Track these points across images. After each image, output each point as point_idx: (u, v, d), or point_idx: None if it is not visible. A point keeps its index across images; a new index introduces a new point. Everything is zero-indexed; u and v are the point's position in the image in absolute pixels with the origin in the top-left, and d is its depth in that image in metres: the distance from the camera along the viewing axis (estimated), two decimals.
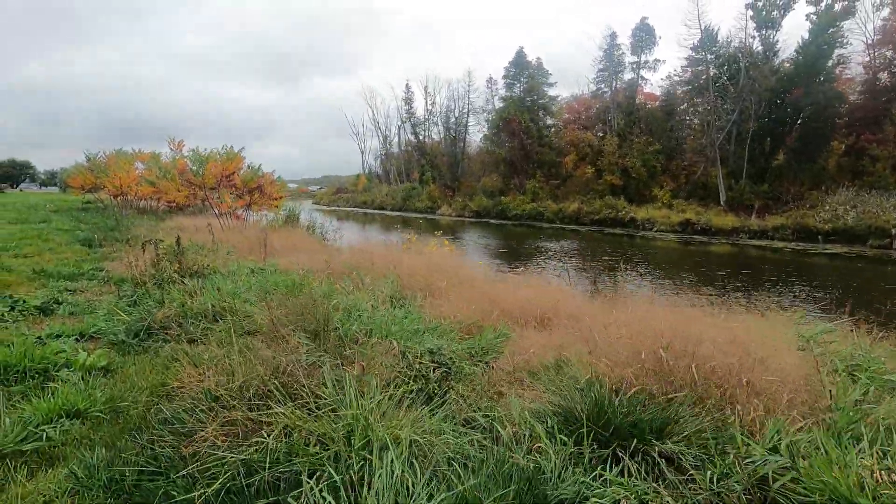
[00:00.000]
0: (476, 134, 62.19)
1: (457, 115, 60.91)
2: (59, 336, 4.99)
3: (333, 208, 62.68)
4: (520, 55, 50.12)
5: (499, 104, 55.47)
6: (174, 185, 13.17)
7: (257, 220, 14.96)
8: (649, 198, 41.07)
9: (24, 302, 5.91)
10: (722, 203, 38.76)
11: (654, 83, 46.80)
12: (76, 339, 4.96)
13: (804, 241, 28.15)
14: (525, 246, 25.15)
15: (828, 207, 31.29)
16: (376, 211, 60.58)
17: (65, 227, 16.31)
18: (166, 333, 4.94)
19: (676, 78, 45.93)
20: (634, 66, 45.28)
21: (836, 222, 28.25)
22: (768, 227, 30.28)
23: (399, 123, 69.86)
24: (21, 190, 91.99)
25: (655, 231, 34.75)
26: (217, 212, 13.37)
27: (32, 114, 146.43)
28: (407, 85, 65.96)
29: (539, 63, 50.58)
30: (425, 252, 9.49)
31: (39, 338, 4.87)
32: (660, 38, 43.84)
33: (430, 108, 66.61)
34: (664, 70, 45.60)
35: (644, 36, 44.10)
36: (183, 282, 6.64)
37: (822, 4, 38.60)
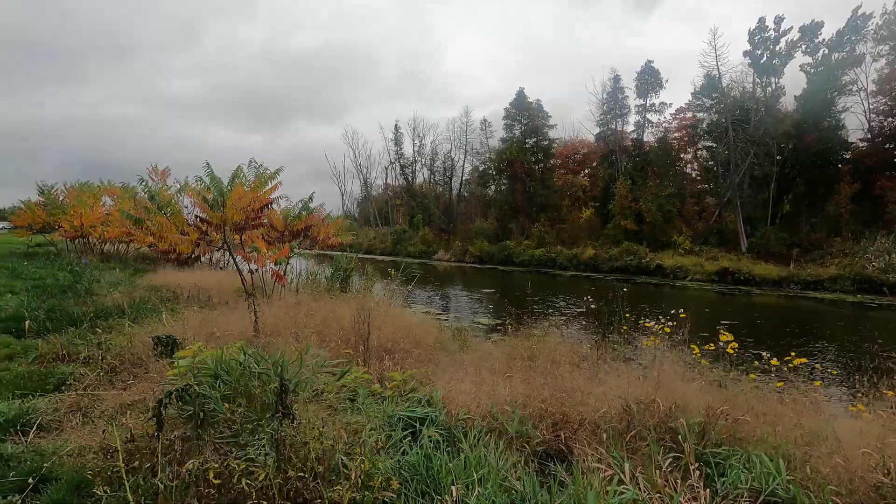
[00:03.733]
0: (468, 176, 58.64)
1: (452, 156, 57.33)
2: None
3: (317, 252, 56.61)
4: (520, 96, 47.26)
5: (495, 145, 52.39)
6: (176, 223, 7.88)
7: (290, 278, 9.67)
8: (667, 244, 37.68)
9: None
10: (743, 250, 35.77)
11: (657, 126, 44.62)
12: None
13: (868, 294, 24.79)
14: (578, 300, 20.53)
15: (871, 256, 28.46)
16: (366, 255, 55.04)
17: None
18: None
19: (667, 125, 44.18)
20: (640, 109, 43.00)
21: None
22: (823, 277, 26.89)
23: (386, 165, 65.67)
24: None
25: (689, 280, 30.95)
26: (249, 266, 8.04)
27: None
28: (396, 126, 62.10)
29: (539, 105, 47.87)
30: None
31: None
32: (666, 81, 41.85)
33: (417, 149, 62.96)
34: (669, 113, 43.60)
35: (649, 79, 42.07)
36: None
37: (820, 54, 37.68)
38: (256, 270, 8.29)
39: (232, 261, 8.98)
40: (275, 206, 8.65)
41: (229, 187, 7.82)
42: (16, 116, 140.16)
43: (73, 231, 19.80)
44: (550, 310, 17.10)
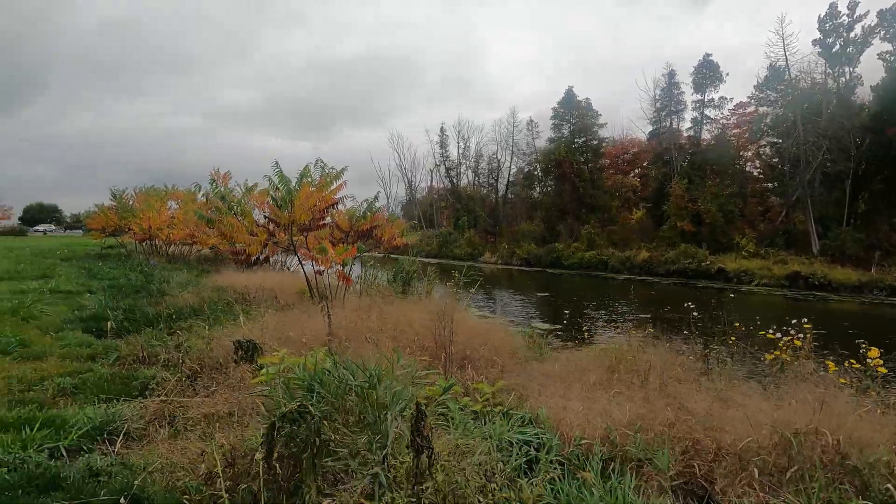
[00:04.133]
0: (513, 177, 57.81)
1: (498, 157, 56.77)
2: None
3: (373, 255, 57.40)
4: (569, 95, 46.02)
5: (541, 146, 51.40)
6: (246, 225, 7.84)
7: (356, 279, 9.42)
8: (728, 246, 35.48)
9: None
10: (815, 252, 33.11)
11: (714, 122, 42.19)
12: None
13: None
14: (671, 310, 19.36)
15: None
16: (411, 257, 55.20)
17: (69, 285, 10.80)
18: None
19: (725, 121, 41.44)
20: (697, 105, 40.82)
21: None
22: None
23: (431, 168, 65.68)
24: (45, 233, 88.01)
25: (755, 285, 28.90)
26: (314, 268, 7.87)
27: (72, 163, 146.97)
28: (441, 128, 62.10)
29: (588, 103, 46.44)
30: None
31: None
32: (726, 74, 39.52)
33: (462, 152, 62.70)
34: (728, 108, 41.30)
35: (707, 73, 39.85)
36: None
37: None
38: (322, 272, 8.10)
39: (298, 262, 8.85)
40: (340, 206, 8.46)
41: (297, 187, 7.66)
42: (92, 129, 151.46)
43: (141, 233, 20.68)
44: (613, 315, 16.23)
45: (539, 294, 23.17)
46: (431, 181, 67.91)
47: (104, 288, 10.68)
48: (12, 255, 19.49)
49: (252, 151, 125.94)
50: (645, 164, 49.50)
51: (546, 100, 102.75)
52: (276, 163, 7.44)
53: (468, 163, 62.05)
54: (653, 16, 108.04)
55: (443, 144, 61.75)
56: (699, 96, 40.35)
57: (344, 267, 7.78)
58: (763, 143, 40.80)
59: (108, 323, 6.13)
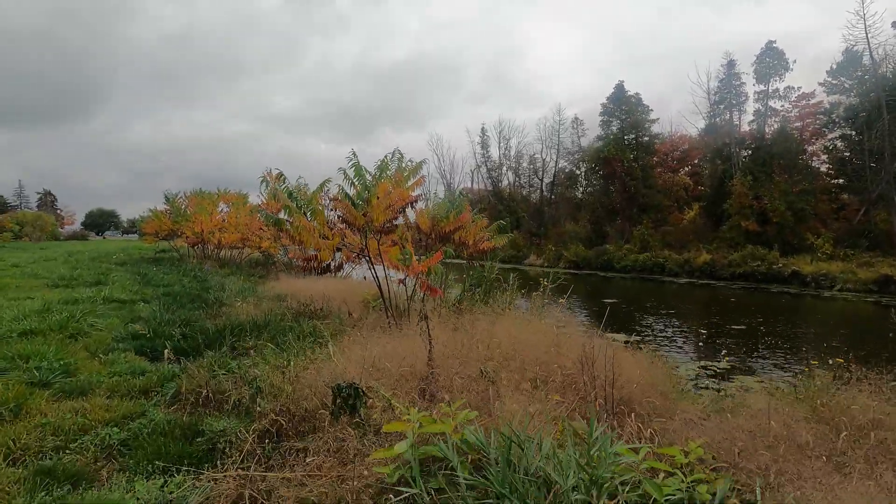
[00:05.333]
0: (557, 177, 55.72)
1: (543, 156, 54.88)
2: None
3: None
4: (619, 90, 43.69)
5: (587, 144, 49.19)
6: (317, 227, 6.74)
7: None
8: (799, 247, 32.42)
9: None
10: None
11: (777, 114, 38.80)
12: None
13: None
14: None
15: None
16: (453, 260, 53.99)
17: (123, 293, 10.02)
18: None
19: (785, 113, 37.64)
20: (760, 96, 37.73)
21: None
22: None
23: (472, 169, 64.24)
24: (104, 237, 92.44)
25: (837, 290, 25.98)
26: (398, 276, 6.69)
27: (131, 170, 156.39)
28: (482, 129, 60.71)
29: (638, 98, 43.96)
30: None
31: None
32: (794, 62, 36.36)
33: (503, 152, 61.07)
34: (790, 100, 37.90)
35: (771, 61, 36.74)
36: None
37: None
38: (404, 280, 6.91)
39: (365, 268, 7.70)
40: (420, 204, 7.23)
41: (373, 183, 6.47)
42: (150, 137, 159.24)
43: (194, 237, 20.28)
44: (702, 328, 14.37)
45: (605, 300, 21.35)
46: (472, 183, 66.50)
47: (159, 296, 9.87)
48: (71, 260, 19.39)
49: (298, 156, 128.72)
50: (697, 161, 46.51)
51: (590, 97, 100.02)
52: (354, 153, 6.29)
53: (509, 163, 60.47)
54: (700, 3, 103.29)
55: (484, 145, 60.41)
56: (762, 87, 37.28)
57: (428, 275, 6.56)
58: (836, 134, 37.23)
59: (165, 351, 5.07)
